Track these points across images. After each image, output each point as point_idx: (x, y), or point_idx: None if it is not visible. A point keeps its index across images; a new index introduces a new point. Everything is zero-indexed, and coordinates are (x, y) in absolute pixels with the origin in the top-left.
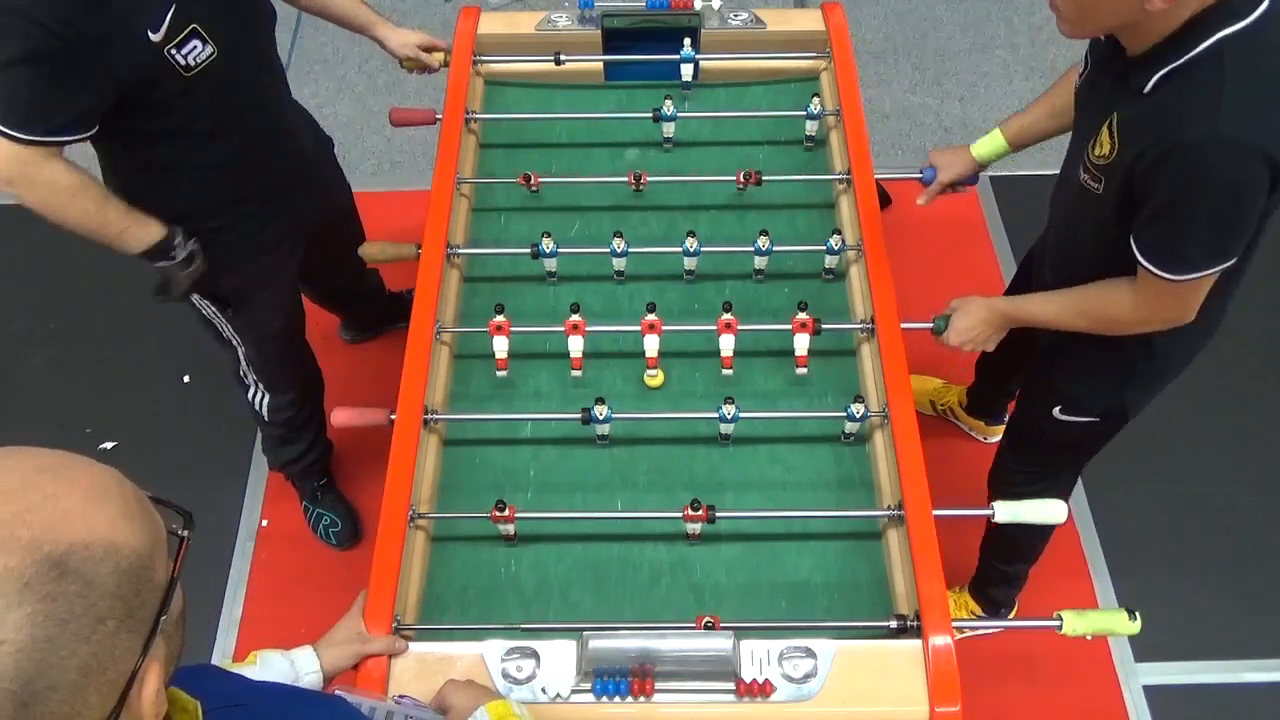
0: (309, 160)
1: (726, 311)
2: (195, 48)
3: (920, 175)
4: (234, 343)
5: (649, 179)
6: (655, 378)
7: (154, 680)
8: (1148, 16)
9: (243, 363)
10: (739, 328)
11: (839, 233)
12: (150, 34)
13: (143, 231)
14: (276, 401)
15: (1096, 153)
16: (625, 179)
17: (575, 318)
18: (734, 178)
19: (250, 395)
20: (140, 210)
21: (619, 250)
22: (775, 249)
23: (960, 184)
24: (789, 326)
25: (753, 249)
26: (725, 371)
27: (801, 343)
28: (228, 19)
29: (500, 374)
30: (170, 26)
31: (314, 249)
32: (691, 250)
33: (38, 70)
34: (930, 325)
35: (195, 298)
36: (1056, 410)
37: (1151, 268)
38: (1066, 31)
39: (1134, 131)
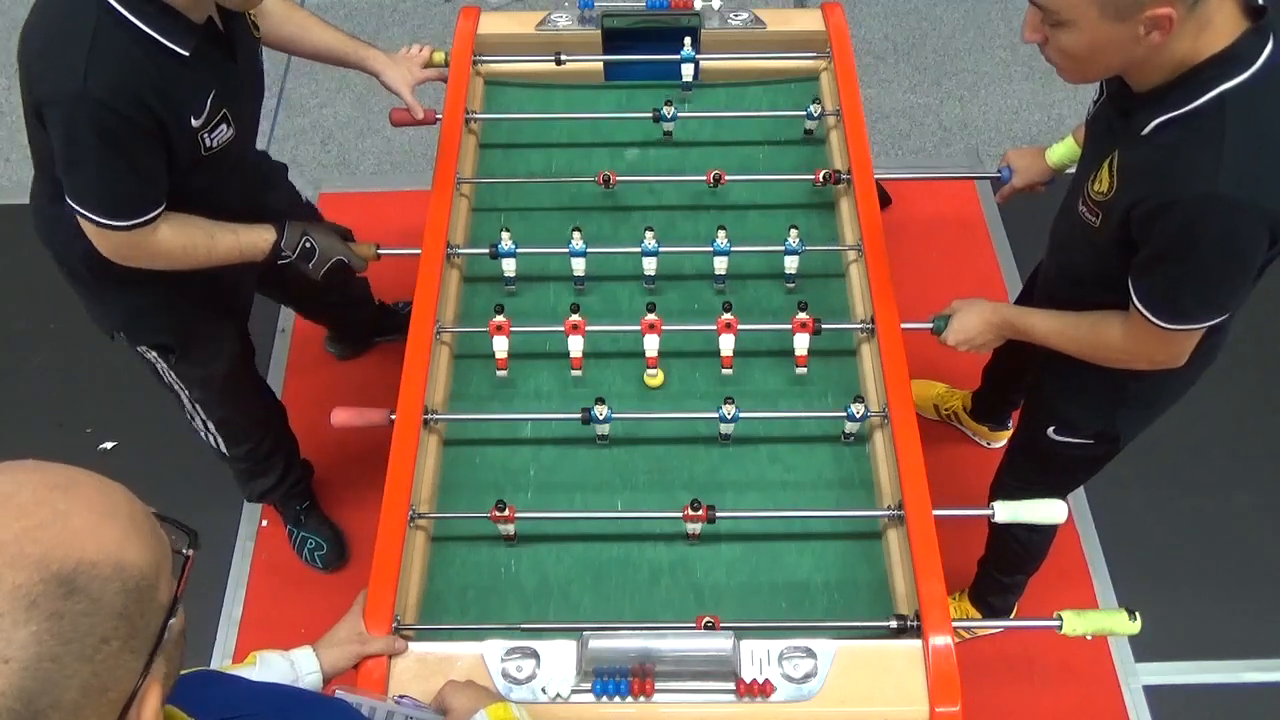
0: (269, 198)
1: (726, 311)
2: (221, 131)
3: (999, 174)
4: (176, 387)
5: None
6: (655, 378)
7: (153, 700)
8: (1148, 52)
9: (188, 405)
10: (739, 328)
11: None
12: (194, 120)
13: (259, 242)
14: (232, 439)
15: (1095, 188)
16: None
17: (575, 318)
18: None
19: (204, 436)
20: (243, 229)
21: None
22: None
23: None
24: (789, 326)
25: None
26: (725, 371)
27: (801, 343)
28: (248, 101)
29: (500, 374)
30: (209, 113)
31: (277, 270)
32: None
33: (122, 160)
34: (930, 325)
35: (140, 348)
36: (1050, 430)
37: (1147, 313)
38: (1069, 80)
39: (1133, 176)
